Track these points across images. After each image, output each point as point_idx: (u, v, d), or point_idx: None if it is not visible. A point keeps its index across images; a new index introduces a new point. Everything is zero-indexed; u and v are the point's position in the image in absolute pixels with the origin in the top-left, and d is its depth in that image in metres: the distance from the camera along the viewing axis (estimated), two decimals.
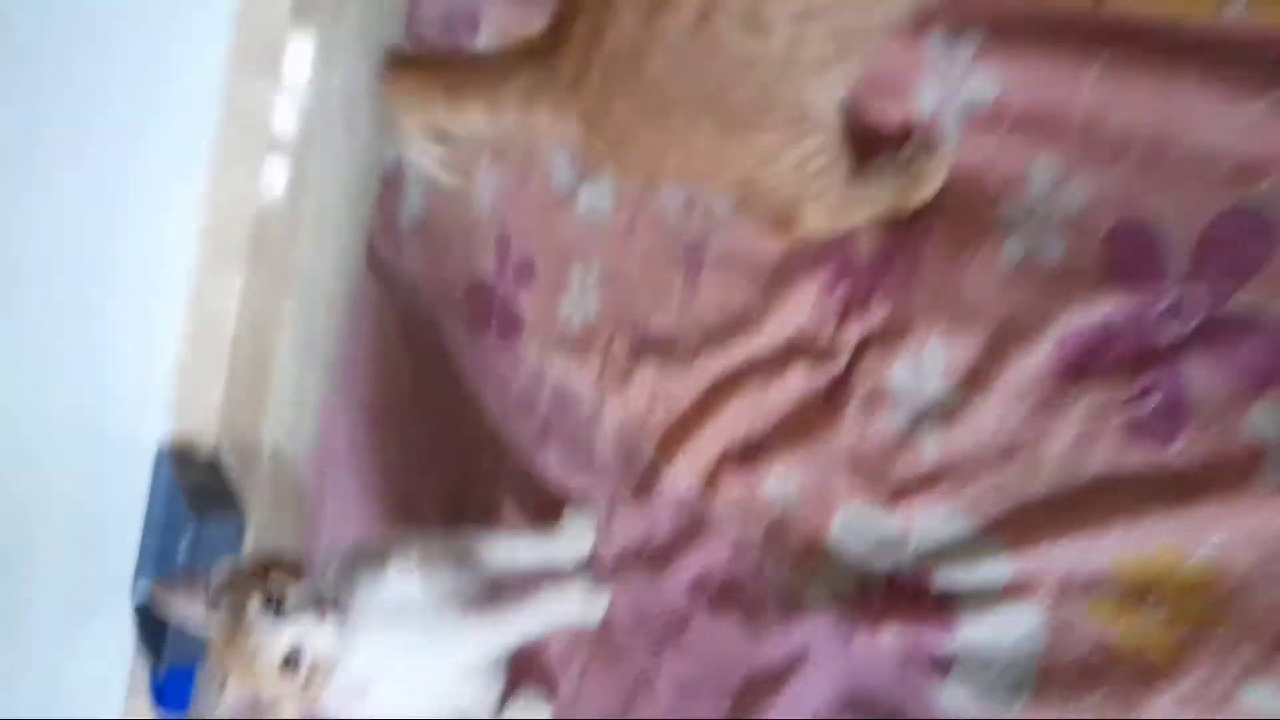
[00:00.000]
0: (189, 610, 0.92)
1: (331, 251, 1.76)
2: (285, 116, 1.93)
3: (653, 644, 1.00)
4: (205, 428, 2.15)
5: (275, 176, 1.97)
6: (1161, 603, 0.68)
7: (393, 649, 0.95)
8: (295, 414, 1.89)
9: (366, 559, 0.97)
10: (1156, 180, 0.70)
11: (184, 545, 1.94)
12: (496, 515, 1.17)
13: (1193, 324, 0.67)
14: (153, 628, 2.04)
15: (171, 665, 2.06)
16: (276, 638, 0.87)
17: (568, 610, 1.05)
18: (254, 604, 0.88)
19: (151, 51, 1.78)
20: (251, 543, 1.96)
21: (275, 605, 0.88)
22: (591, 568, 1.08)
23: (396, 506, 1.36)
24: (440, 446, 1.31)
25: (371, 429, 1.47)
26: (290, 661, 0.88)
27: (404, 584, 0.96)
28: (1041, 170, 0.75)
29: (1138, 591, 0.69)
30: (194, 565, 1.95)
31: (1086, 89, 0.73)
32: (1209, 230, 0.67)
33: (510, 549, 1.07)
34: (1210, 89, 0.67)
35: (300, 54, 1.89)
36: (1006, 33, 0.77)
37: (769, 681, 0.90)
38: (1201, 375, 0.67)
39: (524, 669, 1.13)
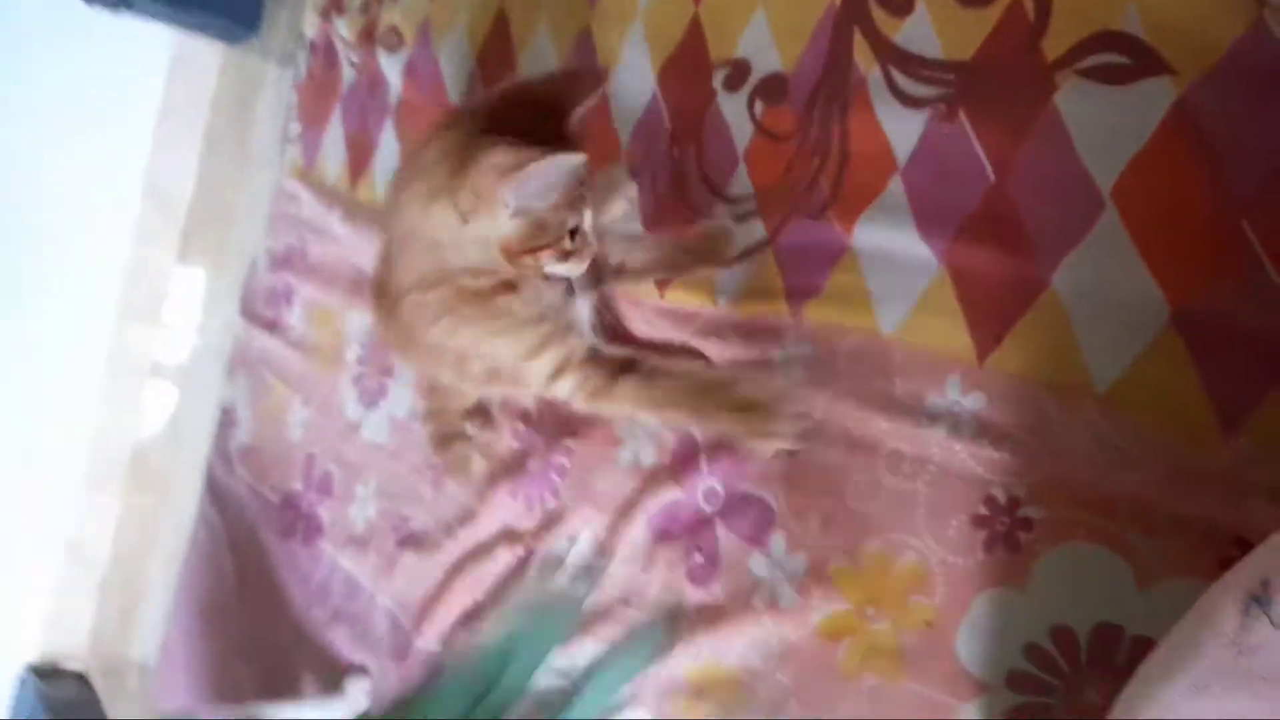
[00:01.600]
0: None
1: (202, 478, 1.90)
2: (168, 350, 2.15)
3: None
4: (74, 648, 2.23)
5: (156, 409, 2.16)
6: (710, 697, 0.99)
7: None
8: (161, 632, 1.98)
9: None
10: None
11: None
12: (297, 687, 1.42)
13: (719, 504, 1.02)
14: None
15: None
16: None
17: None
18: None
19: (42, 299, 2.02)
20: None
21: None
22: None
23: (222, 689, 1.59)
24: (257, 635, 1.57)
25: (203, 626, 1.72)
26: None
27: None
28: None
29: (698, 691, 1.00)
30: None
31: None
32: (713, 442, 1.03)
33: (300, 712, 1.31)
34: None
35: (184, 297, 2.14)
36: None
37: None
38: (725, 537, 1.01)
39: None
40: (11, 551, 2.15)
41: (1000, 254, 0.85)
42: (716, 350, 1.03)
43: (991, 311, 0.85)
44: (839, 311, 0.95)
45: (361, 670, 1.37)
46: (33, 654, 2.23)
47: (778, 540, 0.96)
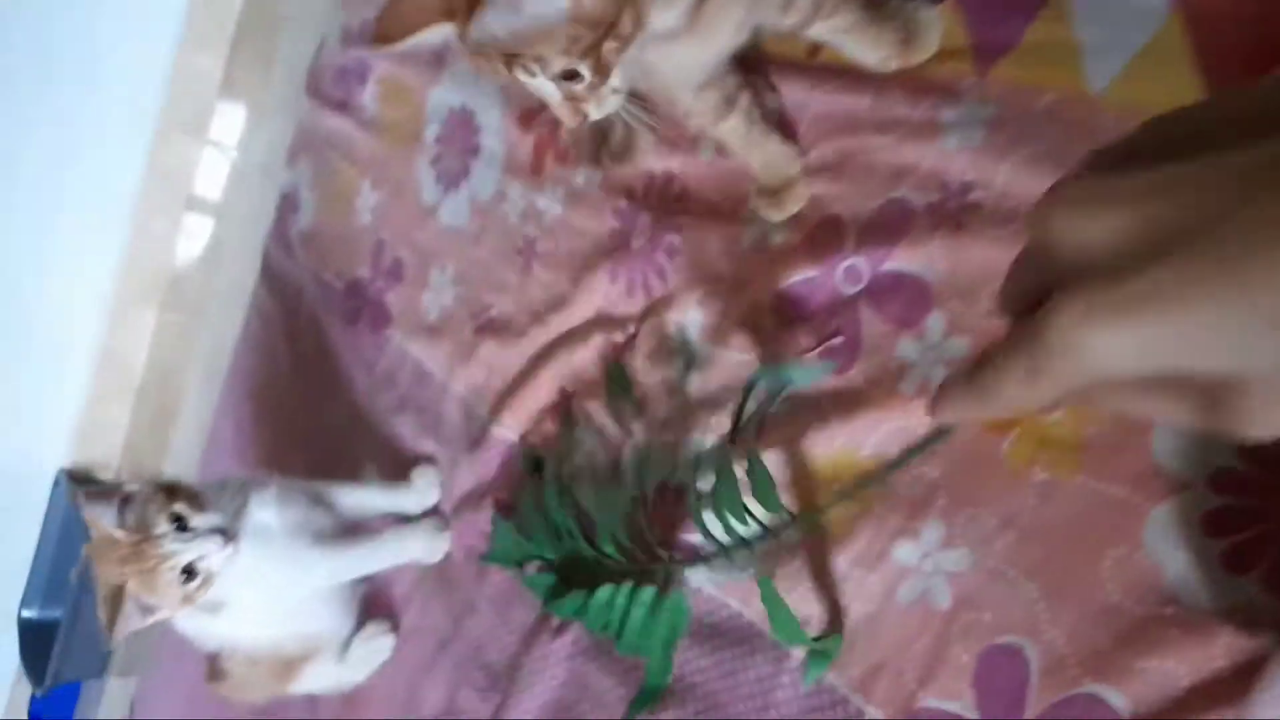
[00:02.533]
0: (101, 516, 0.99)
1: (243, 298, 1.85)
2: (210, 173, 2.07)
3: (476, 571, 1.18)
4: (108, 458, 2.21)
5: (196, 228, 2.09)
6: (841, 489, 0.89)
7: (247, 573, 1.04)
8: (196, 448, 1.97)
9: (230, 490, 1.09)
10: (847, 182, 0.94)
11: (77, 569, 2.01)
12: (358, 475, 1.34)
13: (863, 283, 0.91)
14: (37, 649, 2.07)
15: (53, 687, 2.10)
16: (185, 551, 0.98)
17: (413, 547, 1.21)
18: (164, 520, 0.98)
19: (85, 100, 1.91)
20: None
21: (181, 524, 0.99)
22: (436, 515, 1.26)
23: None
24: (313, 425, 1.49)
25: (255, 417, 1.64)
26: (189, 573, 0.99)
27: (261, 513, 1.08)
28: None
29: (827, 482, 0.90)
30: (85, 589, 2.02)
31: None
32: (876, 214, 0.91)
33: (365, 497, 1.23)
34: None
35: (229, 116, 2.04)
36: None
37: None
38: (869, 319, 0.90)
39: (374, 606, 1.30)
40: (43, 355, 2.10)
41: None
42: (870, 107, 0.90)
43: (1235, 62, 0.72)
44: (1037, 69, 0.82)
45: (430, 461, 1.28)
46: (66, 460, 2.20)
47: (934, 321, 0.85)
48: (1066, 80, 0.80)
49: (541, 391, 1.17)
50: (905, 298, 0.87)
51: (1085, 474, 0.75)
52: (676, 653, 0.97)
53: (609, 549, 1.01)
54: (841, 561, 0.87)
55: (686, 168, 1.07)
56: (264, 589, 1.09)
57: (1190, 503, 0.71)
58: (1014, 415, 0.31)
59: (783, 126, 0.96)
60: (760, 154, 0.94)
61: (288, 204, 1.72)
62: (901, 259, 0.88)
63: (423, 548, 1.21)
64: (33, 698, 2.16)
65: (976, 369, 0.30)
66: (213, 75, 2.02)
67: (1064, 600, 0.75)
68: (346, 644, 1.26)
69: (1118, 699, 0.71)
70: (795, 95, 0.97)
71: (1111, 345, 0.24)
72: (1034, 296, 0.27)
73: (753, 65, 0.97)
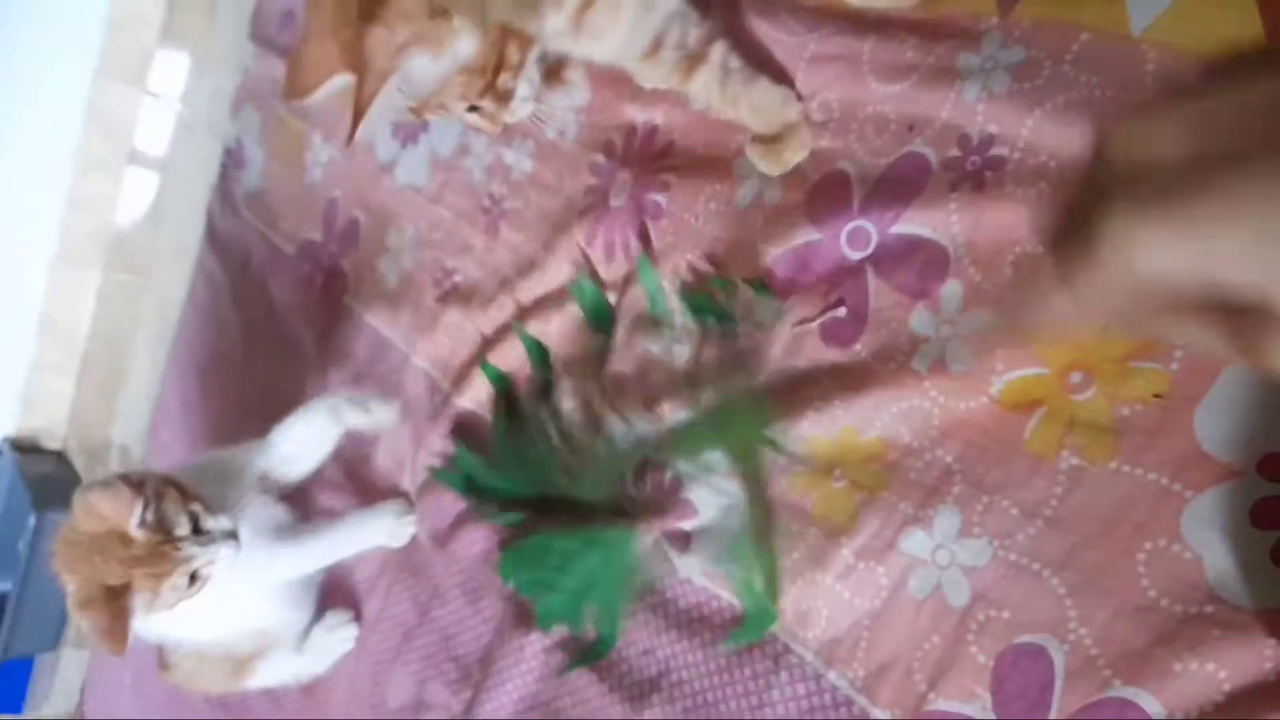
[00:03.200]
0: (122, 509, 0.89)
1: (190, 258, 1.76)
2: (152, 126, 1.94)
3: (445, 556, 1.09)
4: (54, 425, 2.12)
5: (140, 184, 1.96)
6: (844, 475, 0.82)
7: None
8: (145, 415, 1.88)
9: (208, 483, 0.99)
10: (853, 136, 0.85)
11: (25, 537, 1.92)
12: None
13: (870, 248, 0.82)
14: None
15: (3, 662, 2.02)
16: (201, 556, 0.91)
17: (377, 532, 1.13)
18: (185, 520, 0.91)
19: (18, 54, 1.79)
20: None
21: (196, 526, 0.92)
22: (401, 497, 1.17)
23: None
24: (263, 395, 1.38)
25: (203, 387, 1.53)
26: (193, 577, 0.91)
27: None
28: None
29: (826, 467, 0.83)
30: (35, 556, 1.94)
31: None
32: (886, 170, 0.83)
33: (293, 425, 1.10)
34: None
35: (170, 64, 1.91)
36: None
37: None
38: (877, 288, 0.82)
39: (333, 595, 1.21)
40: None
41: None
42: (872, 50, 0.82)
43: None
44: (1070, 6, 0.73)
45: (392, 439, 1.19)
46: (9, 429, 2.10)
47: (951, 290, 0.77)
48: (1104, 18, 0.71)
49: (511, 362, 1.08)
50: (918, 264, 0.79)
51: (1120, 458, 0.69)
52: (664, 645, 0.90)
53: (593, 493, 0.94)
54: (846, 552, 0.80)
55: (672, 118, 0.97)
56: (221, 588, 0.99)
57: (1238, 491, 0.64)
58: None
59: (776, 76, 0.87)
60: (746, 104, 0.84)
61: (232, 159, 1.60)
62: (913, 221, 0.79)
63: (388, 532, 1.13)
64: None
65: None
66: (152, 20, 1.88)
67: (1094, 597, 0.68)
68: (305, 634, 1.17)
69: (1152, 704, 0.65)
70: (786, 39, 0.88)
71: (1160, 247, 0.25)
72: (1080, 225, 0.27)
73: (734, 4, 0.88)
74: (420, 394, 1.18)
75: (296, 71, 0.72)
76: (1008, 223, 0.74)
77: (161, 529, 0.89)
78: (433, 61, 0.71)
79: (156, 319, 1.88)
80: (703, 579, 0.89)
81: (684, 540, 0.90)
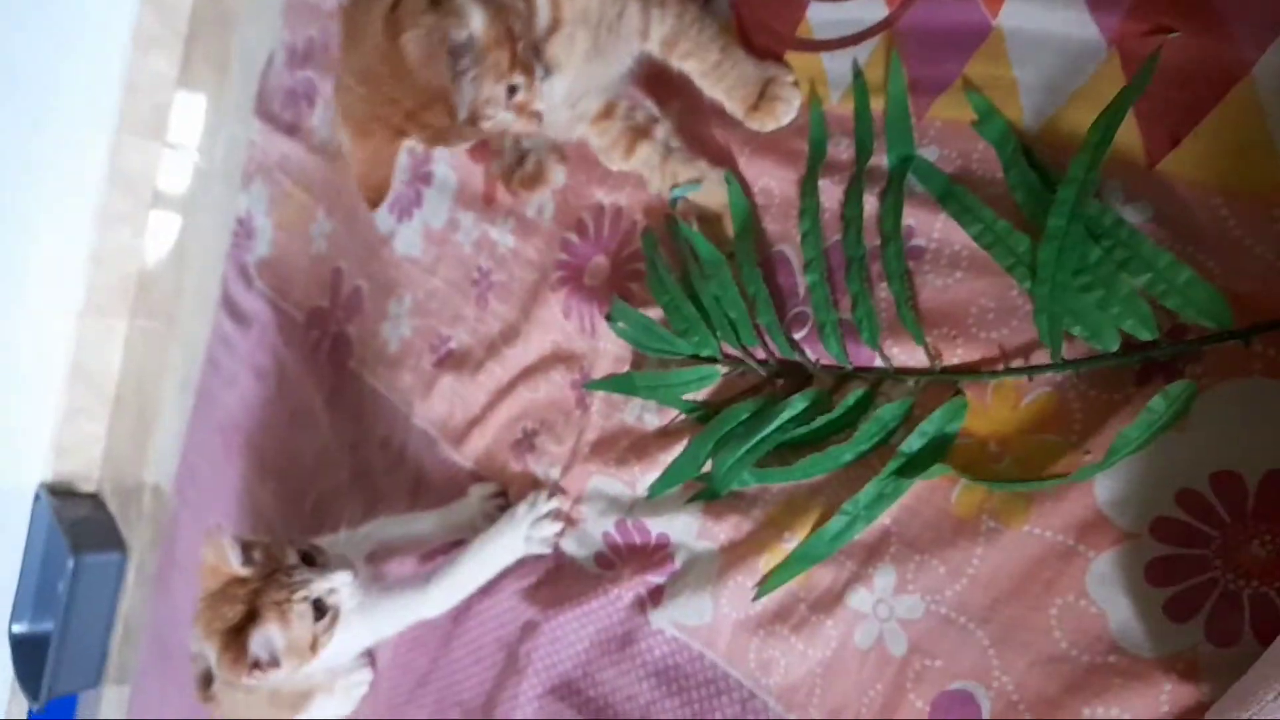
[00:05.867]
0: (226, 553, 0.95)
1: (211, 302, 1.82)
2: (172, 175, 2.04)
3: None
4: (88, 469, 2.23)
5: (161, 231, 2.06)
6: (795, 535, 0.90)
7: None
8: (176, 455, 1.94)
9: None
10: (791, 224, 0.93)
11: (65, 579, 1.99)
12: (324, 509, 1.35)
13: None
14: (30, 664, 2.10)
15: (49, 701, 2.12)
16: (318, 580, 0.95)
17: (515, 540, 1.07)
18: (293, 553, 0.96)
19: (40, 113, 1.89)
20: (134, 578, 2.03)
21: (309, 559, 0.98)
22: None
23: (244, 510, 1.52)
24: (280, 457, 1.49)
25: (224, 449, 1.64)
26: (319, 608, 0.96)
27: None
28: None
29: (778, 530, 0.91)
30: (74, 601, 2.03)
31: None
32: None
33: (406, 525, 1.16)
34: None
35: (187, 116, 2.01)
36: None
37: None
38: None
39: None
40: (15, 373, 2.10)
41: (1189, 35, 0.70)
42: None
43: (1170, 105, 0.71)
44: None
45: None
46: (45, 475, 2.21)
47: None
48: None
49: (500, 425, 1.17)
50: None
51: (1031, 522, 0.76)
52: (644, 693, 0.98)
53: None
54: (802, 607, 0.88)
55: (634, 200, 1.06)
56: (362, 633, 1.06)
57: (1133, 552, 0.71)
58: None
59: (720, 160, 0.96)
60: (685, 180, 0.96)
61: (243, 230, 1.70)
62: None
63: (524, 539, 1.07)
64: (30, 712, 2.17)
65: None
66: (168, 76, 2.00)
67: (1013, 648, 0.76)
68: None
69: None
70: (729, 131, 0.96)
71: None
72: None
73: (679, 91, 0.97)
74: (422, 451, 1.27)
75: (368, 181, 0.81)
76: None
77: (270, 561, 0.95)
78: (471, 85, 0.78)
79: (183, 363, 1.97)
80: (675, 631, 0.97)
81: (657, 593, 0.98)
